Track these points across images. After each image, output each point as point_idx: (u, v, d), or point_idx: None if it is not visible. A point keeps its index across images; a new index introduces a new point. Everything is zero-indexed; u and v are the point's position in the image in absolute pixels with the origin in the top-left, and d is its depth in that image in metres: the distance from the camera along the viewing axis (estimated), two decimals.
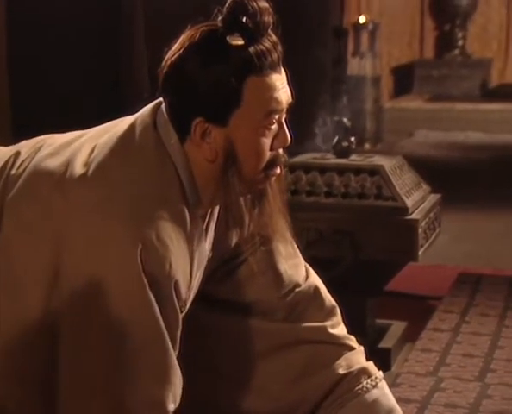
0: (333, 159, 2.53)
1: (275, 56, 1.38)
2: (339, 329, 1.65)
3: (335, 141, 2.54)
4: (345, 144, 2.53)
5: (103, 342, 1.33)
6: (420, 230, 2.66)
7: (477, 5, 8.88)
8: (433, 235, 2.87)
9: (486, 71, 8.83)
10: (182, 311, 1.41)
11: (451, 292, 3.05)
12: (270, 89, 1.38)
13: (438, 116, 7.91)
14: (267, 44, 1.37)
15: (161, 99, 1.44)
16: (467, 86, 8.61)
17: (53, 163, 1.42)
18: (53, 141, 1.49)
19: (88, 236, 1.33)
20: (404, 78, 8.77)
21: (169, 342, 1.36)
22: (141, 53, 3.72)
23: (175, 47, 1.39)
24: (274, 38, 1.39)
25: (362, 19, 7.38)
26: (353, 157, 2.56)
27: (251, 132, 1.38)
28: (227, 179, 1.40)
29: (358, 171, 2.47)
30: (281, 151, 1.43)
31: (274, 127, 1.40)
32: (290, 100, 1.42)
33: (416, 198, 2.75)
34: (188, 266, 1.42)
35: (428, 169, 4.07)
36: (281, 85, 1.39)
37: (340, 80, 6.89)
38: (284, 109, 1.41)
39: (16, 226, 1.39)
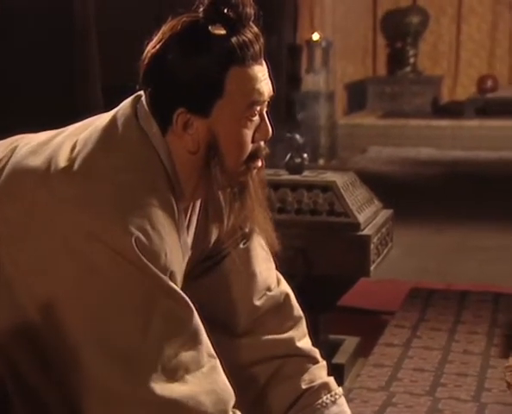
0: (286, 176, 2.54)
1: (257, 47, 1.38)
2: (304, 341, 1.66)
3: (288, 157, 2.56)
4: (297, 160, 2.55)
5: (128, 325, 1.30)
6: (372, 246, 2.68)
7: (428, 24, 9.04)
8: (385, 251, 2.90)
9: (437, 88, 8.98)
10: None
11: (402, 307, 3.07)
12: (252, 80, 1.38)
13: (390, 132, 8.02)
14: (249, 35, 1.37)
15: (140, 93, 1.43)
16: (419, 103, 8.75)
17: (35, 160, 1.40)
18: (28, 141, 1.48)
19: (81, 233, 1.30)
20: (358, 95, 8.87)
21: (191, 304, 1.34)
22: (94, 66, 3.70)
23: (156, 38, 1.39)
24: (256, 29, 1.39)
25: (315, 36, 7.45)
26: (306, 173, 2.57)
27: (233, 123, 1.38)
28: (209, 171, 1.39)
29: (310, 187, 2.49)
30: (262, 144, 1.42)
31: (256, 119, 1.40)
32: (272, 92, 1.42)
33: (368, 214, 2.77)
34: (181, 256, 1.40)
35: (381, 184, 4.12)
36: (263, 77, 1.40)
37: (295, 96, 6.94)
38: (266, 101, 1.41)
39: (2, 224, 1.37)
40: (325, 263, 2.43)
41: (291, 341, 1.63)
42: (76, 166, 1.36)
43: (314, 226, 2.44)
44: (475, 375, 2.42)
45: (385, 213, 2.94)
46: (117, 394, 1.30)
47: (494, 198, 5.55)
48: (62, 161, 1.38)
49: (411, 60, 8.98)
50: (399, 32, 8.95)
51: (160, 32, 1.39)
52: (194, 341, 1.35)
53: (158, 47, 1.38)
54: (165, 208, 1.36)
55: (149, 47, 1.39)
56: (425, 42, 9.13)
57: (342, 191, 2.62)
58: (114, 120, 1.41)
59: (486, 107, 8.24)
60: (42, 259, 1.34)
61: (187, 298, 1.35)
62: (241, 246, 1.61)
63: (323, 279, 2.45)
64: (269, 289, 1.64)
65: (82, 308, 1.31)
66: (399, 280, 3.54)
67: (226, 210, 1.49)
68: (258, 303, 1.62)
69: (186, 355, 1.33)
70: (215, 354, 1.38)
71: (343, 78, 8.76)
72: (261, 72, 1.39)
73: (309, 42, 7.43)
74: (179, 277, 1.39)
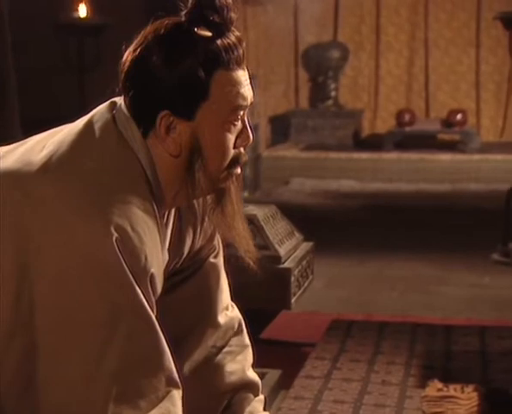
0: None
1: (240, 51, 1.38)
2: (251, 370, 1.67)
3: None
4: None
5: (89, 338, 1.28)
6: (292, 278, 2.71)
7: (348, 58, 9.26)
8: (306, 283, 2.94)
9: (358, 121, 9.18)
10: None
11: (323, 339, 3.10)
12: (236, 84, 1.38)
13: (313, 164, 8.13)
14: (233, 39, 1.38)
15: (114, 99, 1.41)
16: (341, 135, 8.91)
17: (4, 163, 1.36)
18: None
19: (59, 232, 1.28)
20: (281, 128, 8.98)
21: (158, 326, 1.32)
22: (13, 96, 3.64)
23: (136, 41, 1.37)
24: (238, 34, 1.39)
25: None
26: None
27: (217, 127, 1.37)
28: (192, 175, 1.38)
29: None
30: (242, 150, 1.42)
31: (238, 124, 1.40)
32: (253, 99, 1.43)
33: (289, 247, 2.81)
34: (161, 260, 1.38)
35: (304, 217, 4.17)
36: (246, 82, 1.40)
37: None
38: (248, 107, 1.41)
39: None
40: (246, 296, 2.43)
41: (241, 372, 1.63)
42: (52, 167, 1.33)
43: (235, 259, 2.45)
44: (393, 406, 2.46)
45: (306, 245, 2.98)
46: (72, 403, 1.28)
47: (413, 229, 5.68)
48: (36, 163, 1.34)
49: (332, 94, 9.16)
50: (320, 66, 9.13)
51: (141, 35, 1.38)
52: (155, 366, 1.32)
53: (140, 49, 1.36)
54: (146, 210, 1.34)
55: (129, 51, 1.38)
56: (346, 76, 9.34)
57: (263, 224, 2.65)
58: (90, 124, 1.38)
59: (404, 140, 8.46)
60: (26, 261, 1.30)
61: (154, 319, 1.32)
62: (212, 260, 1.60)
63: (244, 313, 2.45)
64: (227, 308, 1.64)
65: (49, 314, 1.29)
66: (320, 312, 3.57)
67: (199, 218, 1.49)
68: (221, 320, 1.61)
69: (144, 380, 1.31)
70: (177, 381, 1.35)
71: (266, 111, 8.85)
72: (244, 77, 1.40)
73: None
74: (159, 280, 1.37)
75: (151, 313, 1.32)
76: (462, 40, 8.99)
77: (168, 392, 1.33)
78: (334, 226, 5.88)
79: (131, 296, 1.30)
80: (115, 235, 1.28)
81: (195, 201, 1.48)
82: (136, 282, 1.30)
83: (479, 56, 8.92)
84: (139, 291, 1.30)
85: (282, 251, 2.66)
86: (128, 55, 1.38)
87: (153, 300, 1.35)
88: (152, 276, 1.34)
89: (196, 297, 1.59)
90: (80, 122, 1.41)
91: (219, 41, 1.36)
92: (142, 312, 1.31)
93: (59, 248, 1.29)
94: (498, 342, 3.01)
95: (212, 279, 1.60)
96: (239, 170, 1.43)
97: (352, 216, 6.40)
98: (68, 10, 7.66)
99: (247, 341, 1.67)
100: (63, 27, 7.55)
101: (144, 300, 1.31)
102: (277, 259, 2.59)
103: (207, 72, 1.35)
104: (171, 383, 1.34)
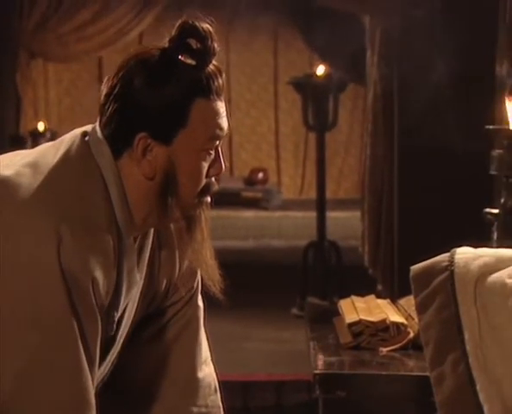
0: None
1: (220, 82, 1.42)
2: None
3: None
4: None
5: (13, 337, 1.31)
6: None
7: None
8: None
9: None
10: (112, 320, 1.40)
11: None
12: (215, 114, 1.41)
13: None
14: (214, 69, 1.41)
15: (86, 128, 1.43)
16: None
17: None
18: None
19: (3, 231, 1.32)
20: None
21: (79, 342, 1.34)
22: None
23: (119, 65, 1.40)
24: (218, 64, 1.42)
25: (41, 126, 7.36)
26: None
27: (193, 154, 1.40)
28: (165, 199, 1.40)
29: None
30: (213, 180, 1.45)
31: (213, 153, 1.43)
32: (228, 130, 1.45)
33: None
34: (111, 270, 1.39)
35: None
36: (223, 113, 1.43)
37: None
38: (223, 137, 1.44)
39: None
40: None
41: None
42: (9, 174, 1.37)
43: None
44: None
45: None
46: None
47: None
48: None
49: None
50: None
51: (124, 59, 1.40)
52: (69, 379, 1.33)
53: (122, 72, 1.39)
54: (98, 222, 1.37)
55: (110, 75, 1.40)
56: None
57: None
58: (60, 141, 1.43)
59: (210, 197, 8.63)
60: None
61: (78, 337, 1.33)
62: (192, 306, 1.59)
63: None
64: (205, 362, 1.60)
65: None
66: None
67: (176, 251, 1.51)
68: (199, 375, 1.57)
69: (55, 391, 1.32)
70: (92, 402, 1.35)
71: None
72: (222, 108, 1.43)
73: (34, 132, 7.33)
74: (104, 288, 1.36)
75: (74, 327, 1.33)
76: (262, 102, 9.40)
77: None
78: None
79: (55, 304, 1.32)
80: (58, 239, 1.32)
81: (173, 234, 1.51)
82: (71, 287, 1.33)
83: (278, 118, 9.36)
84: (65, 304, 1.33)
85: None
86: (109, 78, 1.41)
87: (95, 306, 1.36)
88: (94, 280, 1.35)
89: (175, 349, 1.58)
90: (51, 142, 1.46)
91: (201, 70, 1.40)
92: (62, 325, 1.33)
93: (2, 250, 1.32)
94: (294, 396, 3.12)
95: (191, 330, 1.59)
96: (209, 198, 1.46)
97: None
98: None
99: (220, 402, 1.63)
100: None
101: (70, 314, 1.33)
102: None
103: (188, 100, 1.39)
104: (86, 404, 1.34)
